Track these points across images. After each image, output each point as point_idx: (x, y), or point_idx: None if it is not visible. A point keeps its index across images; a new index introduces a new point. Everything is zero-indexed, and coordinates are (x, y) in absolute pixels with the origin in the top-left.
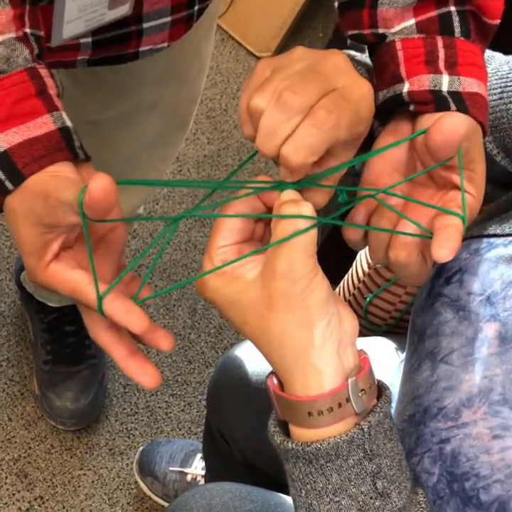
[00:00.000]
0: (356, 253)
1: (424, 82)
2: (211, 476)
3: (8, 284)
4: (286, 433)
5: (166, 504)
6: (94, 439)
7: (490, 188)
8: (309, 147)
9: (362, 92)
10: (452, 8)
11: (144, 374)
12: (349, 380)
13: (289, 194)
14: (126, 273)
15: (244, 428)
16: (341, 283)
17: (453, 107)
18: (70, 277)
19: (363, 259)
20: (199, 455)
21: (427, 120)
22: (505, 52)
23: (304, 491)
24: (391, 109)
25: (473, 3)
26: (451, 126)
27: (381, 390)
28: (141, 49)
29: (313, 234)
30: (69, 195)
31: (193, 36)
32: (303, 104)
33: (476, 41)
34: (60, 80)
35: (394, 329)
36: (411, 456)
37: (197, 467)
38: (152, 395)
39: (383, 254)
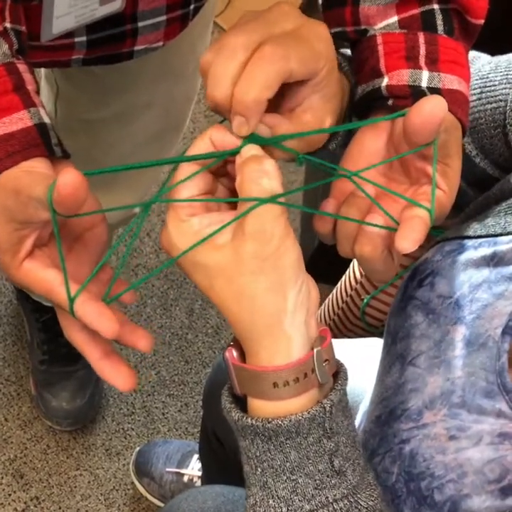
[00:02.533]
0: None
1: (403, 76)
2: (207, 477)
3: (4, 283)
4: (242, 409)
5: (162, 505)
6: (90, 440)
7: (469, 189)
8: (261, 81)
9: (316, 31)
10: (435, 6)
11: (117, 376)
12: (315, 350)
13: (250, 149)
14: (96, 271)
15: None
16: (338, 284)
17: None
18: (43, 276)
19: None
20: (196, 456)
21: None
22: (492, 54)
23: (260, 469)
24: (370, 104)
25: (457, 1)
26: (431, 108)
27: (337, 365)
28: (136, 48)
29: (280, 192)
30: (39, 191)
31: (188, 35)
32: (244, 43)
33: (459, 39)
34: (55, 79)
35: None
36: (374, 456)
37: (194, 468)
38: (149, 395)
39: (350, 247)
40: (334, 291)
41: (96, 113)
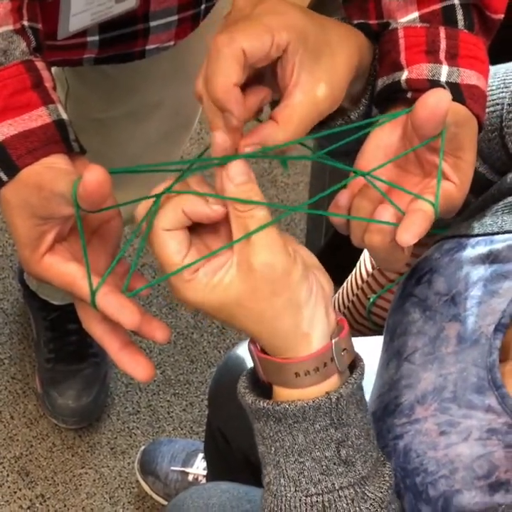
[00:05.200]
0: (360, 254)
1: (422, 70)
2: (212, 476)
3: (11, 281)
4: (259, 393)
5: (167, 504)
6: (95, 438)
7: (468, 194)
8: (218, 71)
9: (271, 8)
10: (456, 1)
11: (136, 366)
12: (333, 341)
13: (236, 167)
14: (115, 264)
15: (245, 427)
16: (345, 283)
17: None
18: (64, 270)
19: (366, 260)
20: (201, 455)
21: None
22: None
23: (273, 448)
24: (389, 97)
25: None
26: (435, 101)
27: (356, 360)
28: (147, 47)
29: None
30: (63, 187)
31: (199, 35)
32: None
33: (479, 34)
34: (65, 78)
35: None
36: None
37: (198, 467)
38: (154, 394)
39: (362, 237)
40: (340, 290)
41: (106, 112)
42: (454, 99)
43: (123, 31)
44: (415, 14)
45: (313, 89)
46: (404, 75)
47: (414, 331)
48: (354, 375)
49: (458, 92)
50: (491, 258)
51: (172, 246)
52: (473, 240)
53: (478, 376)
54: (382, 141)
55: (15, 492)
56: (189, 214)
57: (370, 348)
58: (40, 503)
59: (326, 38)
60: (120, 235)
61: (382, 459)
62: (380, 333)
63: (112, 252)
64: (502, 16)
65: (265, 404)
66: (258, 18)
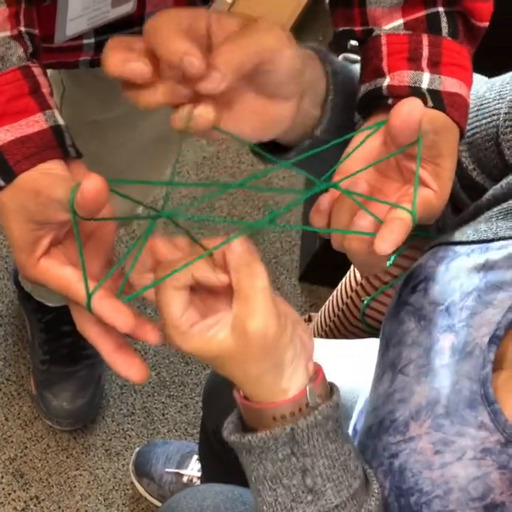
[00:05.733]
0: None
1: (404, 77)
2: (206, 477)
3: (6, 283)
4: (242, 430)
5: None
6: (90, 440)
7: (462, 192)
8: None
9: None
10: (440, 9)
11: (130, 368)
12: (307, 387)
13: (240, 245)
14: (113, 271)
15: None
16: (339, 286)
17: (430, 103)
18: (60, 273)
19: None
20: (195, 457)
21: (429, 114)
22: (489, 76)
23: (253, 477)
24: (371, 103)
25: (462, 4)
26: (408, 110)
27: (331, 391)
28: None
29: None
30: (60, 193)
31: None
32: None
33: (464, 42)
34: (61, 80)
35: None
36: (370, 469)
37: (193, 469)
38: (149, 395)
39: (341, 242)
40: (334, 292)
41: (102, 114)
42: (434, 107)
43: (119, 34)
44: (400, 21)
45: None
46: (386, 82)
47: (409, 342)
48: (320, 408)
49: (439, 99)
50: (486, 267)
51: (176, 303)
52: (468, 248)
53: (471, 390)
54: (364, 146)
55: (9, 494)
56: (198, 279)
57: (363, 351)
58: (35, 505)
59: None
60: (114, 238)
61: (368, 485)
62: (374, 336)
63: (106, 256)
64: (487, 23)
65: (234, 438)
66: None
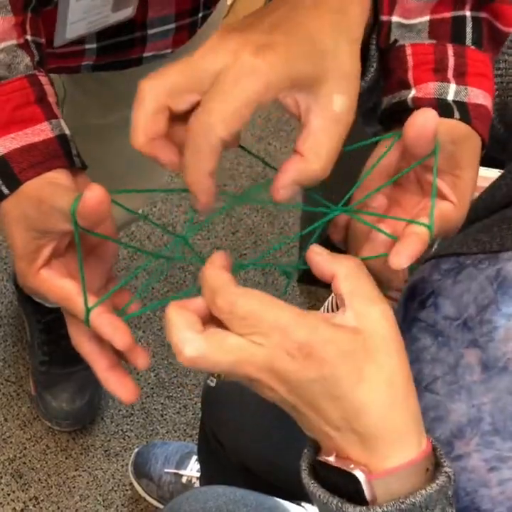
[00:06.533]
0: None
1: (430, 89)
2: (206, 478)
3: (6, 284)
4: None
5: (160, 506)
6: (89, 441)
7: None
8: (199, 163)
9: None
10: (467, 13)
11: (121, 388)
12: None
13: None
14: (116, 290)
15: (238, 430)
16: None
17: (457, 114)
18: (60, 285)
19: None
20: (194, 457)
21: (449, 125)
22: None
23: None
24: (395, 116)
25: (489, 7)
26: (423, 120)
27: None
28: (144, 55)
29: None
30: (62, 203)
31: (196, 43)
32: None
33: (487, 50)
34: (62, 84)
35: None
36: None
37: (192, 469)
38: (148, 396)
39: (356, 255)
40: (333, 293)
41: (104, 118)
42: (460, 118)
43: (121, 39)
44: (427, 18)
45: (329, 106)
46: (411, 94)
47: (428, 358)
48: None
49: (465, 111)
50: (498, 280)
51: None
52: (473, 259)
53: None
54: (382, 160)
55: (8, 494)
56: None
57: None
58: (34, 506)
59: (321, 44)
60: (116, 255)
61: None
62: None
63: (106, 271)
64: None
65: (386, 508)
66: (237, 85)
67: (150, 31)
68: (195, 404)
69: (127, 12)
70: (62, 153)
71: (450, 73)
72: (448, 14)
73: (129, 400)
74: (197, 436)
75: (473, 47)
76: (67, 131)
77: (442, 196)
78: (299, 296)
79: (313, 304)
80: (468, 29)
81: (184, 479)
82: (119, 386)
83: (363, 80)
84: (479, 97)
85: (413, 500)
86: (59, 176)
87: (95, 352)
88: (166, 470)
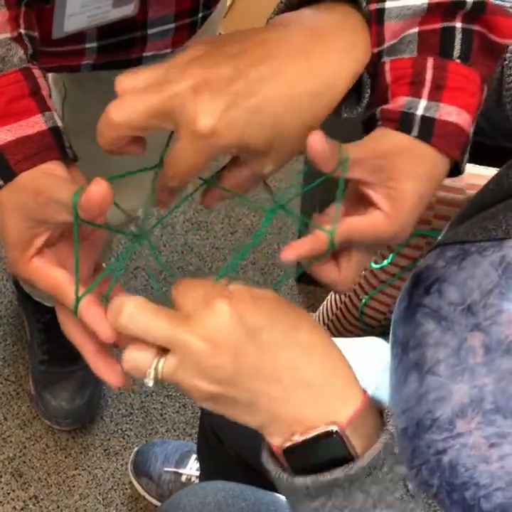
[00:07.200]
0: None
1: (401, 102)
2: (205, 475)
3: (5, 283)
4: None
5: (160, 504)
6: (89, 440)
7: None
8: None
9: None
10: (458, 25)
11: (110, 373)
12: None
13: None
14: (102, 278)
15: (238, 426)
16: None
17: (415, 131)
18: (52, 274)
19: None
20: (194, 456)
21: (385, 138)
22: None
23: None
24: (369, 128)
25: (483, 19)
26: (311, 142)
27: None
28: (144, 54)
29: None
30: (61, 194)
31: None
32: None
33: (474, 64)
34: (63, 83)
35: (388, 330)
36: (407, 469)
37: (192, 468)
38: (147, 395)
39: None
40: (332, 293)
41: None
42: (420, 135)
43: (121, 38)
44: (415, 29)
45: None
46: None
47: (431, 343)
48: (388, 411)
49: (428, 127)
50: (503, 265)
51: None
52: (478, 246)
53: None
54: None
55: (8, 493)
56: None
57: (361, 348)
58: (34, 505)
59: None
60: (102, 243)
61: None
62: (372, 334)
63: (95, 259)
64: (510, 41)
65: (338, 474)
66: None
67: (150, 31)
68: (195, 403)
69: (128, 9)
70: (55, 146)
71: (427, 86)
72: (437, 25)
73: (116, 384)
74: (196, 435)
75: (458, 61)
76: (59, 124)
77: (374, 205)
78: (297, 296)
79: (311, 303)
80: (457, 40)
81: (184, 478)
82: (107, 370)
83: (359, 106)
84: (452, 114)
85: (359, 464)
86: (55, 168)
87: (84, 336)
88: (165, 469)
